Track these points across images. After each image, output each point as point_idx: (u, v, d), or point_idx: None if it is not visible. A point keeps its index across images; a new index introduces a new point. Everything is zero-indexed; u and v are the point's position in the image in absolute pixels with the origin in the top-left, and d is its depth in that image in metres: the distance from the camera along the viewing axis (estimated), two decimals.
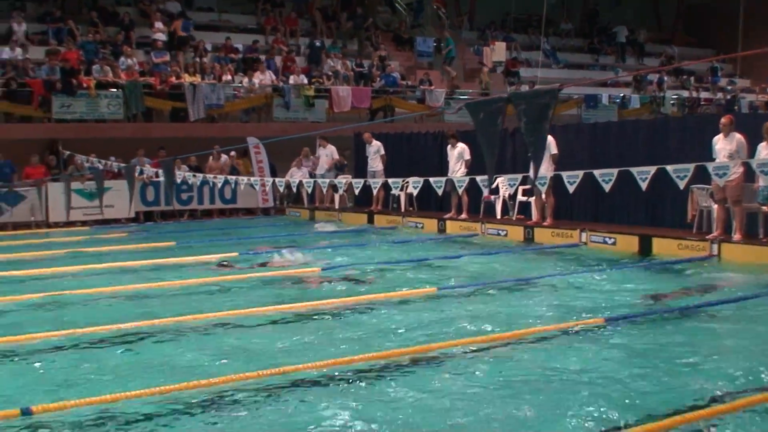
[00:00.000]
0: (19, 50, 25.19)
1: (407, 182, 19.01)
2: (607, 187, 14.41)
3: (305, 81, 28.47)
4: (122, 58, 26.24)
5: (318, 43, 31.20)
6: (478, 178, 16.84)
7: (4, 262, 15.48)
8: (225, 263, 14.74)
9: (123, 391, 7.04)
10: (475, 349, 8.52)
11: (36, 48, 26.22)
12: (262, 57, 29.52)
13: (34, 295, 11.71)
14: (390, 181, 18.95)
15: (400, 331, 9.44)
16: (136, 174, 21.08)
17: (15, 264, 15.10)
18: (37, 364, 8.27)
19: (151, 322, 9.81)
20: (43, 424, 6.45)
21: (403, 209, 21.88)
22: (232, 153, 24.79)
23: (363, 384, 7.43)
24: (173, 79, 26.14)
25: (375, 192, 21.91)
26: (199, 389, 7.15)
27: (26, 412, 6.56)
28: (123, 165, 20.89)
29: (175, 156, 14.87)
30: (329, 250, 16.92)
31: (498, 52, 35.67)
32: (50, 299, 11.48)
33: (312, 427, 6.34)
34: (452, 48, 34.11)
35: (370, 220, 22.06)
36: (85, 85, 24.53)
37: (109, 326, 9.60)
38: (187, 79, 26.23)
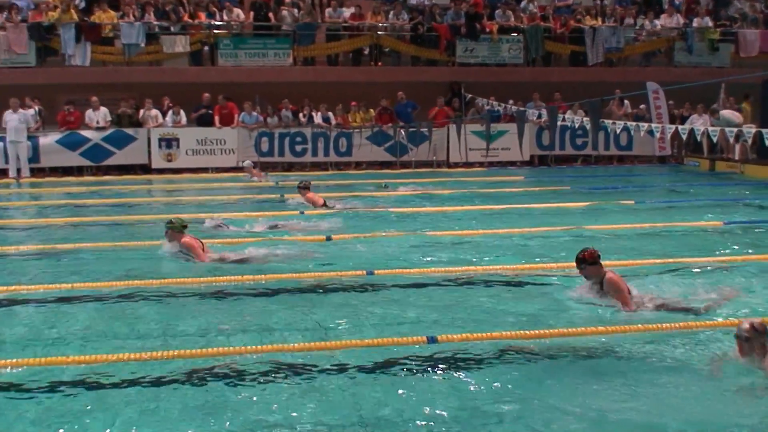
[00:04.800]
0: None
1: None
2: None
3: (710, 24, 26.90)
4: (524, 2, 26.49)
5: None
6: None
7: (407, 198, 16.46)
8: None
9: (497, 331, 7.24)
10: None
11: None
12: None
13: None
14: None
15: None
16: (534, 118, 21.32)
17: (413, 201, 16.00)
18: (411, 298, 8.67)
19: (532, 266, 9.93)
20: (445, 353, 6.72)
21: None
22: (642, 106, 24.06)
23: None
24: (573, 23, 25.94)
25: None
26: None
27: (432, 340, 6.91)
28: (519, 108, 21.22)
29: (601, 98, 14.64)
30: (730, 203, 15.97)
31: None
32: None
33: None
34: None
35: None
36: (488, 29, 25.14)
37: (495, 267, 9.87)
38: (588, 22, 25.89)
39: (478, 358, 6.62)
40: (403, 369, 6.38)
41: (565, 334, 7.14)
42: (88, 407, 5.65)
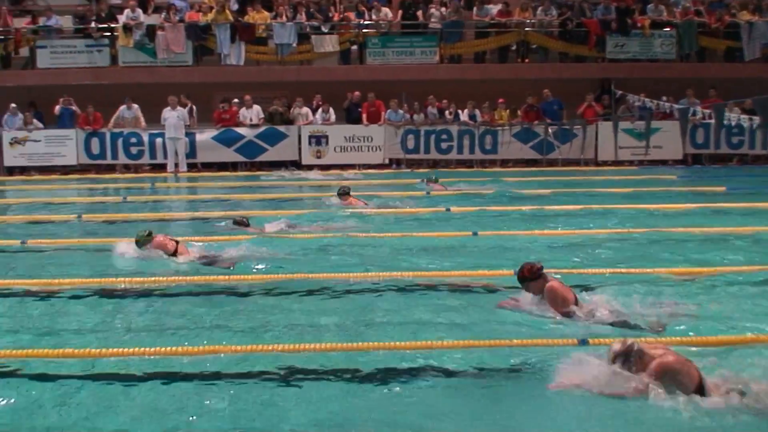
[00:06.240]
0: None
1: None
2: None
3: None
4: None
5: None
6: None
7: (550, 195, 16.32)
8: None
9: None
10: None
11: None
12: None
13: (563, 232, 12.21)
14: None
15: None
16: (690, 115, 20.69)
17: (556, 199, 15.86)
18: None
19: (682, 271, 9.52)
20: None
21: None
22: None
23: None
24: (728, 17, 25.08)
25: None
26: None
27: (584, 343, 6.84)
28: (674, 105, 20.68)
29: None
30: None
31: None
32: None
33: None
34: None
35: None
36: (639, 24, 24.61)
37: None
38: (743, 17, 24.97)
39: None
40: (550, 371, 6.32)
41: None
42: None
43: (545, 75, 24.56)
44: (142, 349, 6.69)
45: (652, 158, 22.64)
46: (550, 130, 22.83)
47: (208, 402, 5.72)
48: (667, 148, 22.46)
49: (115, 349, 6.74)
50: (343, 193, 15.17)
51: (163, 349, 6.70)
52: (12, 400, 5.79)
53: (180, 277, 9.42)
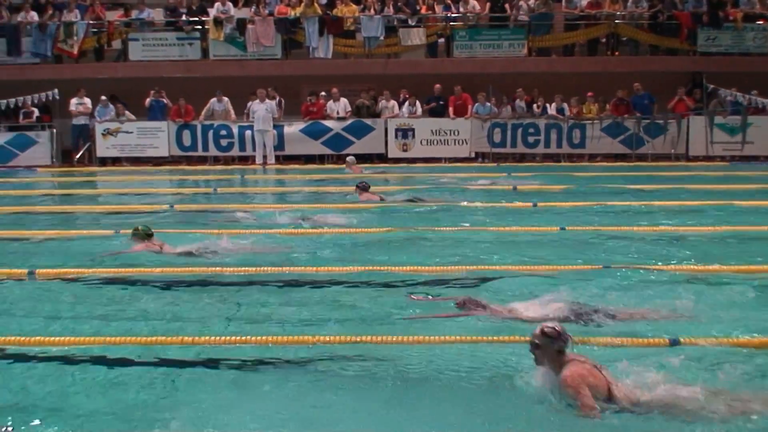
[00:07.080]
0: None
1: None
2: None
3: None
4: None
5: None
6: None
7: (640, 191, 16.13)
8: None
9: None
10: None
11: None
12: None
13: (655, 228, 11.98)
14: None
15: None
16: None
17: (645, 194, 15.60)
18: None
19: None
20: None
21: None
22: None
23: None
24: None
25: None
26: None
27: (675, 343, 6.70)
28: (766, 101, 20.23)
29: None
30: None
31: None
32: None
33: None
34: None
35: None
36: (731, 17, 24.06)
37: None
38: None
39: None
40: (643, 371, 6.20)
41: None
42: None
43: (635, 68, 24.18)
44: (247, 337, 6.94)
45: (743, 154, 22.13)
46: (640, 125, 22.48)
47: None
48: (759, 143, 21.95)
49: (217, 337, 6.99)
50: None
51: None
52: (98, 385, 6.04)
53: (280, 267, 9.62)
